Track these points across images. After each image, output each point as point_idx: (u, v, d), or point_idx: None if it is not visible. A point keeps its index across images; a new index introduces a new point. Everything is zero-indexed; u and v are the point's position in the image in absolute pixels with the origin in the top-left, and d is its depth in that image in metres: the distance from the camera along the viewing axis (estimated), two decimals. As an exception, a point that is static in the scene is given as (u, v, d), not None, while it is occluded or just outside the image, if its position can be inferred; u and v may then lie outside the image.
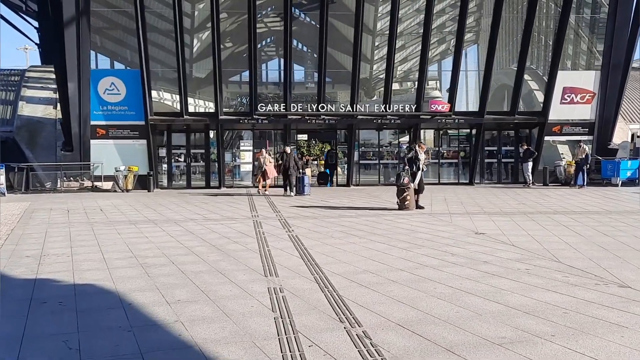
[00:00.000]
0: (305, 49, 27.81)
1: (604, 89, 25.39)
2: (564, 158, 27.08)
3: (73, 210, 16.45)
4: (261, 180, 21.34)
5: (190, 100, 26.13)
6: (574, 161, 24.57)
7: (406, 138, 28.46)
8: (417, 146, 16.16)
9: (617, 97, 25.43)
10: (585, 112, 25.73)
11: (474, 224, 12.65)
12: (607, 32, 25.02)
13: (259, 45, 26.70)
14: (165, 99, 25.91)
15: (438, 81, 27.82)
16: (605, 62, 25.20)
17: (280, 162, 20.86)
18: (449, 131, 27.78)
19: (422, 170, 16.17)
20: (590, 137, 26.08)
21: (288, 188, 20.60)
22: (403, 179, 15.60)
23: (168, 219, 14.24)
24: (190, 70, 25.62)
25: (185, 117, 24.45)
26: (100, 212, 15.92)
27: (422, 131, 26.20)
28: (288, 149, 20.63)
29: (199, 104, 26.49)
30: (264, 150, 22.35)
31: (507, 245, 9.99)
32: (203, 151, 26.13)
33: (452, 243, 10.19)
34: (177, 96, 24.45)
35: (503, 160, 27.08)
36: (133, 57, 24.40)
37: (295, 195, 20.43)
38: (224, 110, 24.88)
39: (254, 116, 24.43)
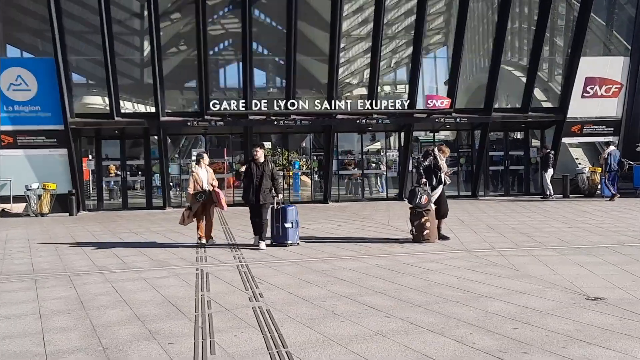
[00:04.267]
0: (266, 51, 22.74)
1: (634, 79, 20.99)
2: (579, 164, 22.60)
3: None
4: (199, 221, 11.18)
5: (128, 99, 20.87)
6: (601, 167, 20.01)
7: (377, 145, 23.63)
8: (436, 150, 11.22)
9: (649, 89, 21.11)
10: (611, 107, 21.27)
11: (556, 272, 7.76)
12: (638, 10, 20.61)
13: (216, 49, 21.63)
14: (93, 98, 20.53)
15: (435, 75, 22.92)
16: (636, 47, 20.78)
17: (242, 175, 10.99)
18: (445, 132, 23.00)
19: (445, 184, 11.26)
20: (616, 138, 21.60)
21: (260, 231, 10.69)
22: (420, 198, 10.64)
23: (64, 268, 9.00)
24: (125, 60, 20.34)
25: (116, 119, 19.10)
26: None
27: (414, 133, 21.35)
28: (260, 153, 10.69)
29: (138, 104, 21.18)
30: (205, 156, 11.50)
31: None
32: (143, 162, 20.82)
33: (578, 334, 5.20)
34: (109, 93, 19.06)
35: (511, 167, 22.43)
36: (45, 47, 19.01)
37: (273, 245, 10.70)
38: (167, 110, 19.61)
39: (206, 117, 19.25)
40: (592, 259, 8.59)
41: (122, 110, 19.54)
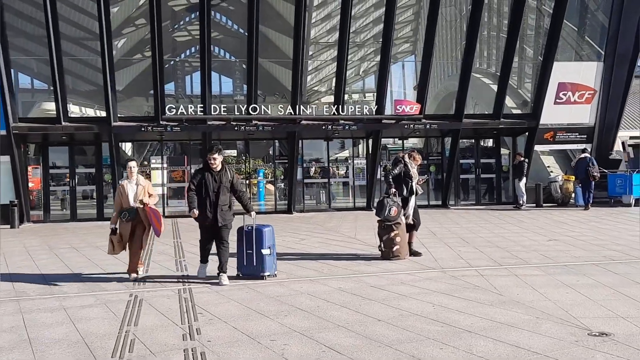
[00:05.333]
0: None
1: (607, 85, 20.33)
2: (552, 172, 21.89)
3: None
4: (131, 248, 8.64)
5: (78, 103, 19.50)
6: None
7: (346, 152, 22.62)
8: (406, 157, 10.18)
9: (623, 96, 20.43)
10: (584, 114, 20.58)
11: (547, 297, 6.75)
12: (612, 14, 19.99)
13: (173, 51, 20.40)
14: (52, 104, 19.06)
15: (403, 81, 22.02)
16: (610, 51, 20.15)
17: (191, 187, 8.24)
18: (414, 140, 22.06)
19: (417, 194, 10.23)
20: (589, 145, 20.92)
21: (221, 260, 8.23)
22: (389, 210, 9.57)
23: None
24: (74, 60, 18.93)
25: (64, 123, 17.65)
26: None
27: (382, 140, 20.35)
28: (217, 159, 8.16)
29: (88, 109, 19.77)
30: (132, 165, 8.76)
31: None
32: (94, 170, 19.39)
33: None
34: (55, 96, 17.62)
35: (482, 175, 21.58)
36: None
37: (242, 277, 8.32)
38: (120, 115, 18.26)
39: (161, 122, 17.94)
40: (583, 280, 7.61)
41: (71, 115, 18.12)
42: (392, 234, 9.56)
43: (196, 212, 8.02)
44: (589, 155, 18.83)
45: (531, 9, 20.89)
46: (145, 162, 20.55)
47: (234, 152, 22.25)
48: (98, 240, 13.26)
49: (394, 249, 9.56)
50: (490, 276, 8.03)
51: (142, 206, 8.45)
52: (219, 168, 8.10)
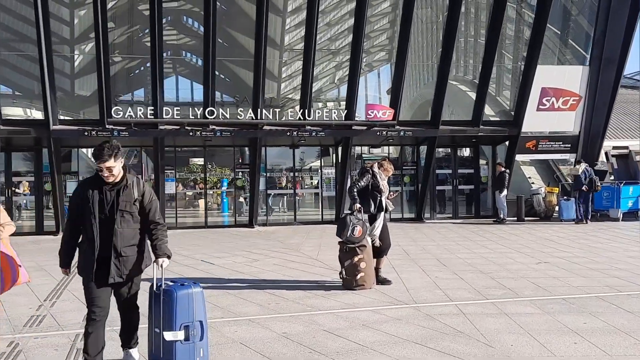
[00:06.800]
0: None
1: (593, 91, 19.02)
2: (533, 183, 20.56)
3: None
4: None
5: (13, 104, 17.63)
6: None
7: (315, 162, 20.98)
8: (375, 167, 8.56)
9: (609, 102, 19.13)
10: (568, 121, 19.24)
11: (551, 351, 5.17)
12: (599, 15, 18.70)
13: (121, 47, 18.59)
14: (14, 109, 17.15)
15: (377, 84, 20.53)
16: (596, 55, 18.85)
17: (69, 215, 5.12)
18: (390, 149, 20.51)
19: (387, 210, 8.61)
20: (573, 155, 19.61)
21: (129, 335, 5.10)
22: (353, 230, 7.93)
23: None
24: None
25: (-4, 126, 15.79)
26: None
27: (352, 148, 18.77)
28: (115, 165, 4.67)
29: (28, 110, 17.88)
30: None
31: None
32: (33, 179, 17.49)
33: None
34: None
35: (459, 187, 20.11)
36: None
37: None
38: (61, 117, 16.43)
39: (107, 126, 16.14)
40: (591, 322, 6.04)
41: (3, 117, 16.22)
42: (356, 259, 7.92)
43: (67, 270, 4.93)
44: (586, 165, 17.51)
45: (510, 12, 19.54)
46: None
47: (200, 161, 20.38)
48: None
49: (358, 277, 7.91)
50: (475, 315, 6.42)
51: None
52: (117, 179, 4.73)
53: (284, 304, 7.22)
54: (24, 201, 18.51)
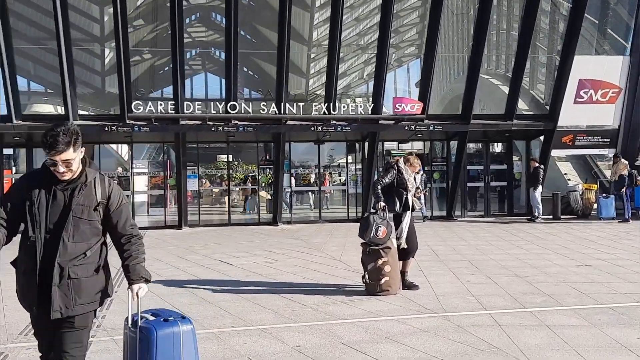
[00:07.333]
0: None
1: (634, 83, 18.03)
2: (569, 180, 19.65)
3: None
4: None
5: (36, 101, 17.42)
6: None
7: (342, 158, 20.31)
8: (401, 162, 7.92)
9: (652, 94, 18.14)
10: (607, 115, 18.27)
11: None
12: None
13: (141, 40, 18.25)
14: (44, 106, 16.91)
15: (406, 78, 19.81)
16: (637, 44, 17.83)
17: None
18: (418, 144, 19.78)
19: (414, 209, 7.96)
20: (612, 150, 18.65)
21: None
22: (376, 230, 7.32)
23: None
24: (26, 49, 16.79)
25: (16, 122, 15.51)
26: None
27: (380, 144, 18.12)
28: (69, 161, 3.32)
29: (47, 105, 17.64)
30: None
31: None
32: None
33: None
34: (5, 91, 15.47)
35: (492, 183, 19.27)
36: None
37: None
38: (80, 112, 16.11)
39: (128, 121, 15.76)
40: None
41: (25, 113, 15.98)
42: (380, 262, 7.29)
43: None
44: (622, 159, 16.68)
45: (544, 4, 18.63)
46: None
47: (225, 157, 19.85)
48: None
49: (382, 281, 7.29)
50: (512, 327, 5.75)
51: None
52: (74, 175, 3.45)
53: (300, 311, 6.64)
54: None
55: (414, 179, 7.95)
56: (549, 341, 5.29)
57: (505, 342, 5.29)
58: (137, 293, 3.51)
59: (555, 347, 5.13)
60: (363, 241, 7.52)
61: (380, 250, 7.32)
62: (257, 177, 18.57)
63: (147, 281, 3.58)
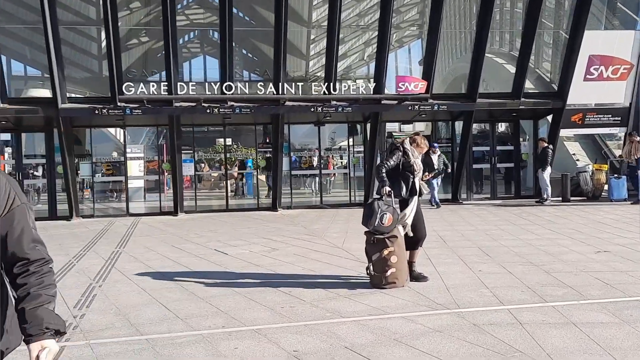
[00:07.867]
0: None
1: (646, 58, 17.32)
2: (577, 160, 19.02)
3: None
4: None
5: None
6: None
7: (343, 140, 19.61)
8: (407, 142, 7.28)
9: (664, 70, 17.41)
10: (618, 92, 17.58)
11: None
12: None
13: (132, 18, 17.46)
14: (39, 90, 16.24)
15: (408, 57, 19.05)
16: (650, 17, 17.15)
17: None
18: (421, 125, 19.11)
19: (421, 194, 7.34)
20: (622, 130, 18.00)
21: None
22: (382, 217, 6.71)
23: None
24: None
25: (1, 105, 14.86)
26: None
27: (382, 125, 17.44)
28: None
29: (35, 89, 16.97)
30: None
31: None
32: (44, 161, 16.61)
33: None
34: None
35: (498, 165, 18.62)
36: None
37: None
38: (70, 95, 15.44)
39: (119, 104, 15.09)
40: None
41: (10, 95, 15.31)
42: (386, 252, 6.68)
43: None
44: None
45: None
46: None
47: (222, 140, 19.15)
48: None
49: (388, 273, 6.68)
50: (535, 325, 5.15)
51: None
52: None
53: (299, 308, 6.04)
54: (41, 184, 17.69)
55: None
56: (578, 343, 4.69)
57: (529, 344, 4.69)
58: (37, 356, 2.17)
59: (588, 350, 4.52)
60: (367, 230, 6.90)
61: (386, 240, 6.71)
62: (244, 161, 18.04)
63: (57, 334, 2.25)
